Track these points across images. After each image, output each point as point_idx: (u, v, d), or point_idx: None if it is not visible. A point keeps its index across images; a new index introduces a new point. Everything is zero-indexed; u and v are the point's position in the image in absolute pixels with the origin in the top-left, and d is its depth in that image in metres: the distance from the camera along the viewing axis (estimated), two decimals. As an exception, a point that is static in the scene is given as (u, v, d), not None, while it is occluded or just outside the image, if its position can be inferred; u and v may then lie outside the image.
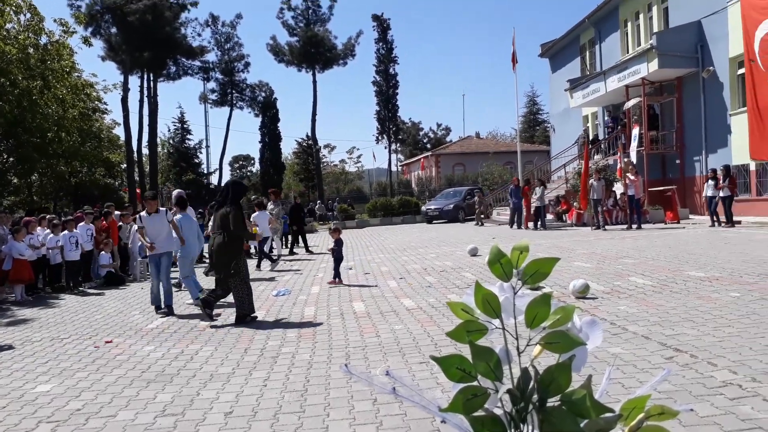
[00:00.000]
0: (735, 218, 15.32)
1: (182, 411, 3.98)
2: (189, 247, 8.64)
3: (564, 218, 20.23)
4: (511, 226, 20.00)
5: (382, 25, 44.38)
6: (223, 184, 9.48)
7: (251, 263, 13.89)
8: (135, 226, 11.38)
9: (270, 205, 14.33)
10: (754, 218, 16.53)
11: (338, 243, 9.91)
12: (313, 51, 42.73)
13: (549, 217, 20.71)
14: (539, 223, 19.02)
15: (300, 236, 17.57)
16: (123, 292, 10.51)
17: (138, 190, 38.03)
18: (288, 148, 79.73)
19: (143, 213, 8.45)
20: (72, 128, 25.77)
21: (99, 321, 7.67)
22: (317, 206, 36.96)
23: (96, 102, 31.79)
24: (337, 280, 9.63)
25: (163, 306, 7.99)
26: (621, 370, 4.20)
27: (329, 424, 3.59)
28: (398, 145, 53.11)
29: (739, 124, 17.69)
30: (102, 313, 8.28)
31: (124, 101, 37.83)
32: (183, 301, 8.83)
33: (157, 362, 5.33)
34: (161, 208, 8.52)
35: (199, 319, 7.26)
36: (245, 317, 6.88)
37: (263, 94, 47.66)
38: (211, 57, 45.87)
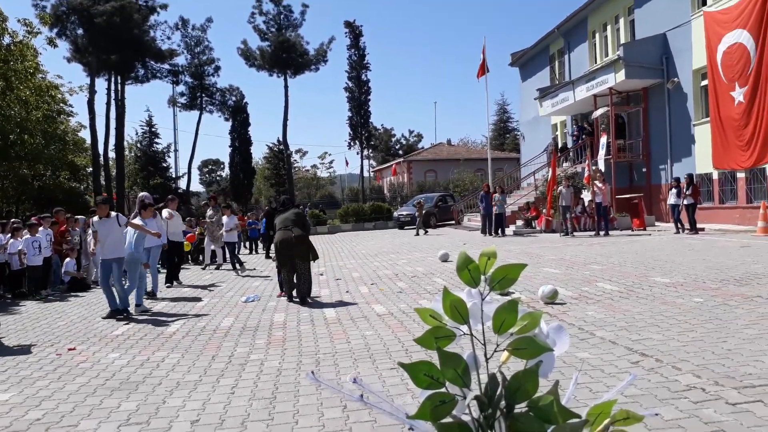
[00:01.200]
0: (699, 225, 15.70)
1: (147, 420, 3.89)
2: (138, 252, 8.50)
3: (533, 224, 20.48)
4: (483, 233, 20.16)
5: (354, 31, 44.48)
6: (283, 198, 9.94)
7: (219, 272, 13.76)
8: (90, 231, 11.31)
9: (209, 212, 13.80)
10: (717, 225, 16.96)
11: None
12: (285, 56, 42.58)
13: (519, 223, 20.97)
14: (500, 229, 19.24)
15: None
16: (87, 298, 10.27)
17: (104, 195, 37.31)
18: (259, 152, 79.22)
19: (95, 218, 8.32)
20: (35, 130, 25.16)
21: (62, 328, 7.47)
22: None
23: (61, 104, 31.12)
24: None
25: (120, 309, 7.92)
26: (588, 374, 4.25)
27: (298, 431, 3.55)
28: (370, 151, 53.17)
29: (703, 134, 18.16)
30: (65, 320, 8.07)
31: (91, 104, 37.11)
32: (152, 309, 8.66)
33: (121, 370, 5.21)
34: (113, 213, 8.39)
35: (166, 326, 7.14)
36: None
37: (233, 98, 47.30)
38: (181, 60, 45.38)
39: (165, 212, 10.97)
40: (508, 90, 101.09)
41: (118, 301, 7.94)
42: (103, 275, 8.21)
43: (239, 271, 12.72)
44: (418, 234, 23.11)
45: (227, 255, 13.62)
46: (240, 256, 13.85)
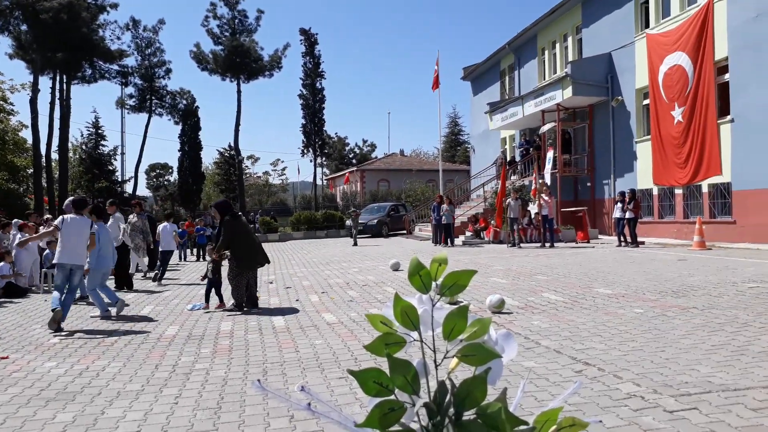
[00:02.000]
0: (639, 239, 16.27)
1: (85, 431, 3.74)
2: (102, 259, 8.19)
3: (482, 235, 20.80)
4: (434, 243, 20.34)
5: (309, 39, 44.35)
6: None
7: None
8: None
9: (132, 218, 12.66)
10: (656, 239, 17.63)
11: (216, 265, 8.78)
12: (239, 61, 42.11)
13: (468, 233, 21.25)
14: (448, 239, 19.48)
15: None
16: (23, 305, 9.81)
17: (45, 198, 35.87)
18: (209, 157, 77.82)
19: (67, 216, 7.88)
20: (-28, 128, 24.02)
21: (-6, 336, 7.11)
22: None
23: (1, 102, 29.86)
24: (221, 303, 8.65)
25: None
26: (534, 383, 4.32)
27: (243, 442, 3.48)
28: (324, 159, 53.00)
29: (644, 151, 18.88)
30: (-2, 328, 7.69)
31: (33, 102, 35.72)
32: (88, 314, 8.35)
33: (58, 379, 4.99)
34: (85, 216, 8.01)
35: (106, 334, 6.89)
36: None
37: (184, 102, 46.44)
38: (131, 61, 44.35)
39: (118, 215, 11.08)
40: (459, 103, 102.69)
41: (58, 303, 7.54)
42: (64, 282, 7.67)
43: (156, 281, 12.32)
44: (356, 244, 22.64)
45: (157, 261, 13.07)
46: (187, 262, 13.47)
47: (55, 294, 7.52)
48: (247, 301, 8.42)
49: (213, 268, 8.73)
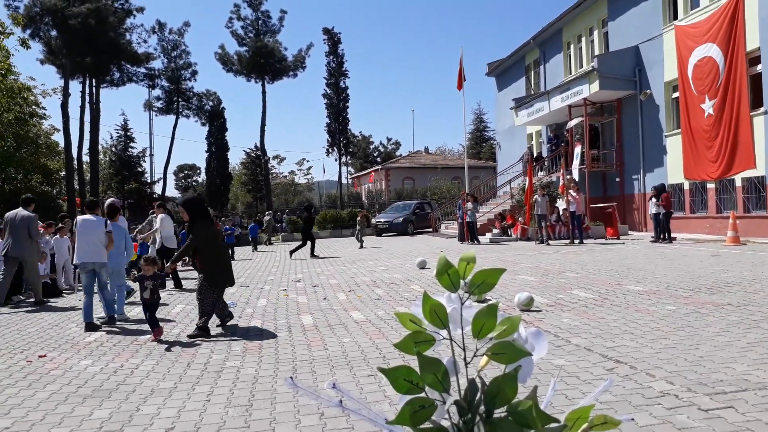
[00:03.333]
0: (671, 235, 15.98)
1: (120, 428, 3.83)
2: (112, 258, 8.32)
3: (509, 233, 20.66)
4: (460, 241, 20.28)
5: (333, 38, 44.56)
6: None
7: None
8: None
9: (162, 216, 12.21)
10: (688, 235, 17.31)
11: (156, 280, 6.71)
12: (263, 62, 42.47)
13: (495, 230, 21.14)
14: (470, 237, 19.40)
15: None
16: (59, 304, 10.06)
17: (78, 200, 36.68)
18: (236, 158, 78.70)
19: (79, 217, 8.11)
20: (7, 133, 24.69)
21: (32, 334, 7.30)
22: (266, 217, 36.58)
23: (33, 106, 30.60)
24: (156, 330, 6.62)
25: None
26: (564, 381, 4.29)
27: (274, 439, 3.52)
28: (348, 157, 53.21)
29: (674, 145, 18.54)
30: (36, 326, 7.90)
31: (64, 106, 36.54)
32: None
33: (94, 377, 5.11)
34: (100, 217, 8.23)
35: (140, 333, 7.03)
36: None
37: (210, 103, 47.03)
38: (157, 64, 45.01)
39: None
40: (484, 99, 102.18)
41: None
42: (90, 283, 7.86)
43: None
44: (362, 246, 21.18)
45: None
46: None
47: (86, 302, 7.51)
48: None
49: (153, 288, 6.66)
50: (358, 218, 24.14)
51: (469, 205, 19.38)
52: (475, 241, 19.28)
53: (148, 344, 6.39)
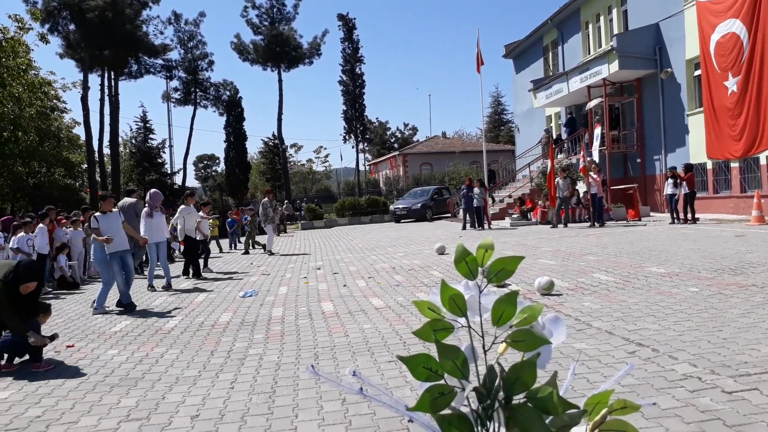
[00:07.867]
0: (695, 215, 15.75)
1: (147, 415, 3.91)
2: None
3: (528, 216, 20.52)
4: (464, 228, 20.01)
5: (347, 24, 44.37)
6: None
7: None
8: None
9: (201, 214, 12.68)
10: (712, 215, 17.04)
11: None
12: (278, 50, 42.50)
13: (514, 214, 21.00)
14: (476, 222, 19.16)
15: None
16: (84, 296, 10.26)
17: (99, 192, 37.24)
18: (254, 147, 79.03)
19: (98, 213, 8.33)
20: (29, 127, 25.08)
21: (60, 325, 7.46)
22: (284, 206, 36.82)
23: (54, 100, 31.03)
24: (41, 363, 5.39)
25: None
26: (585, 365, 4.28)
27: (298, 425, 3.57)
28: (365, 144, 53.18)
29: (696, 124, 18.21)
30: (63, 317, 8.07)
31: (84, 100, 36.97)
32: (144, 299, 8.67)
33: (120, 366, 5.22)
34: (114, 210, 8.58)
35: (164, 322, 7.15)
36: None
37: (228, 93, 47.18)
38: (174, 55, 45.27)
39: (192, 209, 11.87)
40: (502, 82, 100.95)
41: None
42: (120, 268, 8.23)
43: (205, 269, 12.46)
44: (260, 248, 17.32)
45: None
46: (236, 250, 13.71)
47: (123, 289, 8.18)
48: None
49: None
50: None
51: (476, 189, 19.14)
52: (483, 227, 19.02)
53: (172, 333, 6.50)
